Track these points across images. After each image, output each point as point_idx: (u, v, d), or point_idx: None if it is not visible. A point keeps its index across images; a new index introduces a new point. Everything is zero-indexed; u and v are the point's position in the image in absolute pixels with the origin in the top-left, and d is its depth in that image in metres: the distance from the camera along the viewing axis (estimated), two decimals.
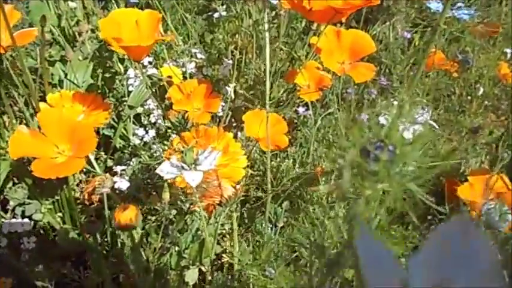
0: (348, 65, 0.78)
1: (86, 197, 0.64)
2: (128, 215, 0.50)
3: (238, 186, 0.50)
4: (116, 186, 0.64)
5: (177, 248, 0.68)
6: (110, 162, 0.94)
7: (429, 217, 0.87)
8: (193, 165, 0.38)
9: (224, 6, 1.10)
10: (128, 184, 0.65)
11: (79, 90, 0.71)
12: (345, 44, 0.77)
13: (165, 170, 0.40)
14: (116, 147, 0.99)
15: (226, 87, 1.02)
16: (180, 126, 0.80)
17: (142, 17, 0.55)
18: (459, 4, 0.53)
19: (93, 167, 0.60)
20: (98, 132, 1.02)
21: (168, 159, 0.41)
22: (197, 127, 0.55)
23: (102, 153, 0.94)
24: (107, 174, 0.63)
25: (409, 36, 1.13)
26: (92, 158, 0.61)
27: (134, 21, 0.55)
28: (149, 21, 0.55)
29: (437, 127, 0.39)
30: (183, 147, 0.41)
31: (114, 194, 0.63)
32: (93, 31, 1.11)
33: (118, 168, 0.70)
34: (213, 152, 0.41)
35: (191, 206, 0.57)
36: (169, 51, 1.07)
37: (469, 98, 0.95)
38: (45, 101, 0.64)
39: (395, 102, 0.40)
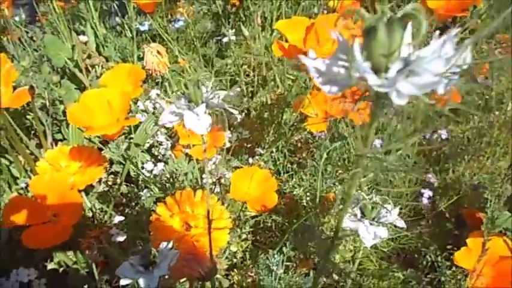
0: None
1: (85, 246, 0.66)
2: None
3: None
4: (112, 239, 0.66)
5: None
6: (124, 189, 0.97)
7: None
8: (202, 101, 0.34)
9: (233, 30, 1.09)
10: (124, 236, 0.66)
11: (77, 144, 0.73)
12: None
13: (166, 119, 0.35)
14: (128, 179, 1.01)
15: (236, 115, 1.01)
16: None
17: (114, 96, 0.56)
18: None
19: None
20: (111, 164, 1.05)
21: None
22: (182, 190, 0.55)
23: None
24: (104, 229, 0.64)
25: None
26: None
27: (106, 101, 0.55)
28: (121, 98, 0.56)
29: (404, 226, 0.37)
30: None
31: (111, 247, 0.65)
32: (107, 60, 1.14)
33: (116, 219, 0.72)
34: None
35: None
36: (178, 80, 1.08)
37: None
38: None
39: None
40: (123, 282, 0.37)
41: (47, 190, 0.56)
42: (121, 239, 0.68)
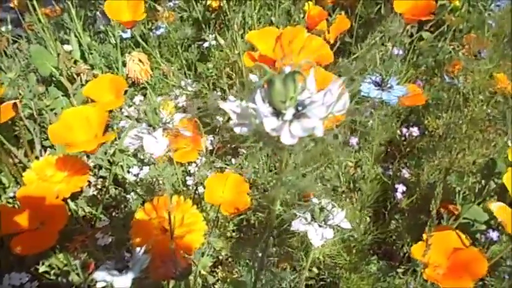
0: None
1: (72, 251, 0.70)
2: None
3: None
4: (98, 243, 0.70)
5: None
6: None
7: None
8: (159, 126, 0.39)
9: (214, 36, 1.12)
10: (110, 240, 0.71)
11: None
12: None
13: (128, 142, 0.40)
14: (117, 182, 1.05)
15: (218, 117, 1.06)
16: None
17: (92, 113, 0.60)
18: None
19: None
20: (100, 168, 1.09)
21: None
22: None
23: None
24: (90, 233, 0.68)
25: (400, 52, 1.11)
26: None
27: (85, 118, 0.59)
28: (98, 115, 0.60)
29: (350, 227, 0.41)
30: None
31: (96, 251, 0.69)
32: (92, 68, 1.17)
33: (101, 224, 0.76)
34: None
35: None
36: (163, 84, 1.11)
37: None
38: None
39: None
40: (99, 284, 0.41)
41: (34, 199, 0.60)
42: (106, 242, 0.72)
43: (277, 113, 0.22)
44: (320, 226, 0.40)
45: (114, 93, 0.82)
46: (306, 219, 0.39)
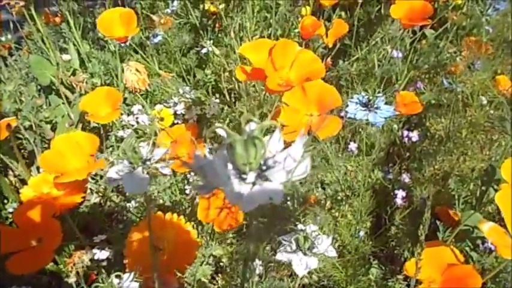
0: (316, 117, 0.78)
1: (70, 269, 0.71)
2: None
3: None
4: (95, 257, 0.71)
5: None
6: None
7: None
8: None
9: (211, 41, 1.12)
10: (107, 254, 0.71)
11: None
12: (311, 97, 0.78)
13: (111, 175, 0.39)
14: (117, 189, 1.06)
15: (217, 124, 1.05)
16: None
17: (82, 138, 0.60)
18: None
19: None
20: (101, 177, 1.10)
21: None
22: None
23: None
24: (87, 248, 0.69)
25: (400, 55, 1.10)
26: None
27: (75, 143, 0.60)
28: (89, 141, 0.60)
29: (335, 255, 0.41)
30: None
31: (94, 265, 0.70)
32: (92, 76, 1.18)
33: (98, 238, 0.77)
34: None
35: None
36: (162, 91, 1.12)
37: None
38: None
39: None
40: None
41: (29, 217, 0.60)
42: (103, 256, 0.73)
43: (240, 175, 0.22)
44: (305, 255, 0.40)
45: (111, 105, 0.82)
46: (290, 247, 0.39)
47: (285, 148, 0.23)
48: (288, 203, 0.96)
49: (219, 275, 0.96)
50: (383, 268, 0.92)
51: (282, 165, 0.22)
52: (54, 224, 0.60)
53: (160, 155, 0.39)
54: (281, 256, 0.39)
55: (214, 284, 0.95)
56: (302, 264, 0.39)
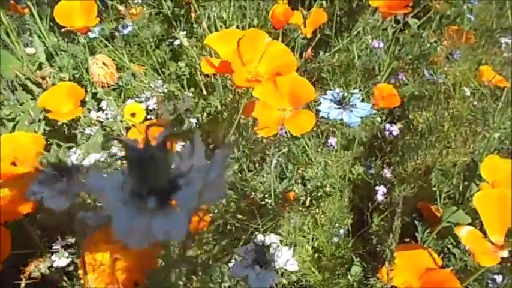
0: (289, 112, 0.74)
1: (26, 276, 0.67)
2: None
3: None
4: (54, 264, 0.66)
5: None
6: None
7: None
8: None
9: (185, 33, 1.07)
10: (67, 261, 0.67)
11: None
12: (283, 91, 0.73)
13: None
14: None
15: (191, 119, 1.01)
16: None
17: (28, 140, 0.55)
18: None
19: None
20: None
21: None
22: None
23: None
24: (45, 255, 0.65)
25: (381, 45, 1.06)
26: None
27: (20, 146, 0.55)
28: (35, 143, 0.55)
29: (296, 269, 0.37)
30: None
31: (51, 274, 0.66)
32: (60, 70, 1.12)
33: (59, 244, 0.72)
34: None
35: None
36: (134, 86, 1.06)
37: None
38: None
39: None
40: None
41: None
42: (63, 264, 0.68)
43: (138, 201, 0.17)
44: (264, 269, 0.36)
45: (73, 102, 0.77)
46: (247, 262, 0.36)
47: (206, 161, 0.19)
48: (267, 201, 0.92)
49: (194, 277, 0.92)
50: (365, 265, 0.89)
51: (195, 186, 0.17)
52: (3, 232, 0.55)
53: (93, 161, 0.35)
54: (236, 270, 0.35)
55: (188, 287, 0.91)
56: (260, 280, 0.35)
